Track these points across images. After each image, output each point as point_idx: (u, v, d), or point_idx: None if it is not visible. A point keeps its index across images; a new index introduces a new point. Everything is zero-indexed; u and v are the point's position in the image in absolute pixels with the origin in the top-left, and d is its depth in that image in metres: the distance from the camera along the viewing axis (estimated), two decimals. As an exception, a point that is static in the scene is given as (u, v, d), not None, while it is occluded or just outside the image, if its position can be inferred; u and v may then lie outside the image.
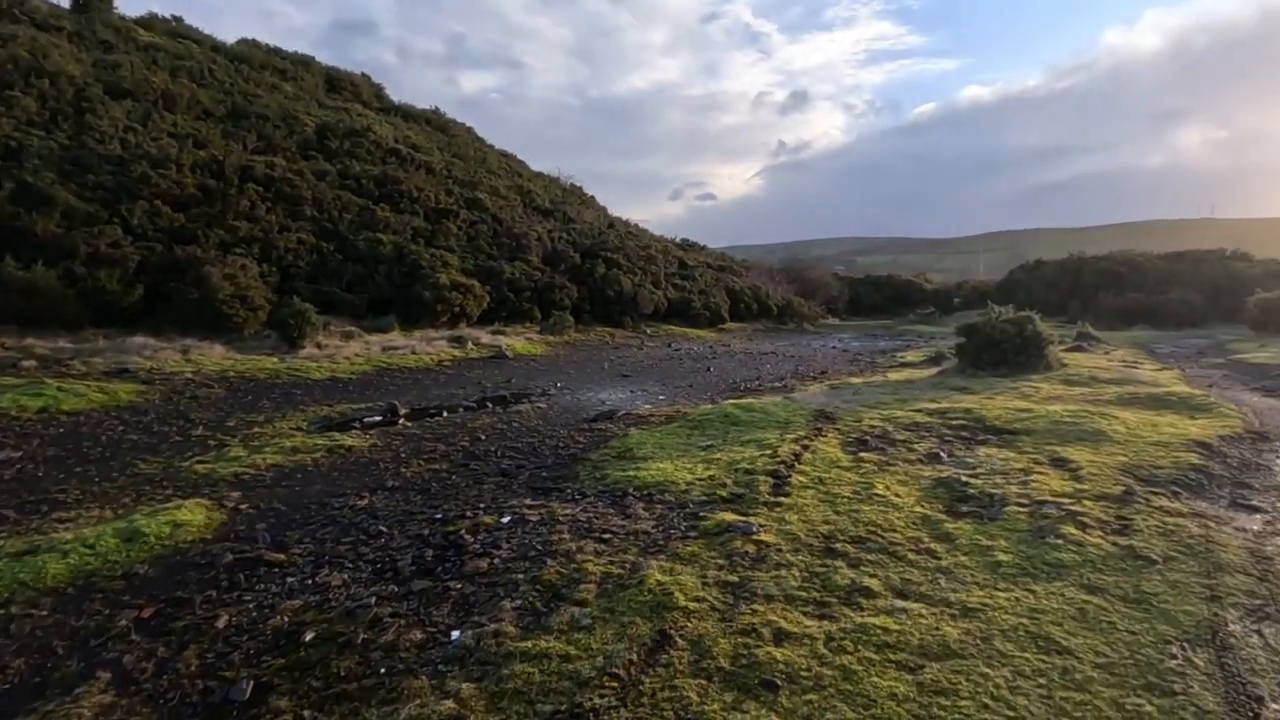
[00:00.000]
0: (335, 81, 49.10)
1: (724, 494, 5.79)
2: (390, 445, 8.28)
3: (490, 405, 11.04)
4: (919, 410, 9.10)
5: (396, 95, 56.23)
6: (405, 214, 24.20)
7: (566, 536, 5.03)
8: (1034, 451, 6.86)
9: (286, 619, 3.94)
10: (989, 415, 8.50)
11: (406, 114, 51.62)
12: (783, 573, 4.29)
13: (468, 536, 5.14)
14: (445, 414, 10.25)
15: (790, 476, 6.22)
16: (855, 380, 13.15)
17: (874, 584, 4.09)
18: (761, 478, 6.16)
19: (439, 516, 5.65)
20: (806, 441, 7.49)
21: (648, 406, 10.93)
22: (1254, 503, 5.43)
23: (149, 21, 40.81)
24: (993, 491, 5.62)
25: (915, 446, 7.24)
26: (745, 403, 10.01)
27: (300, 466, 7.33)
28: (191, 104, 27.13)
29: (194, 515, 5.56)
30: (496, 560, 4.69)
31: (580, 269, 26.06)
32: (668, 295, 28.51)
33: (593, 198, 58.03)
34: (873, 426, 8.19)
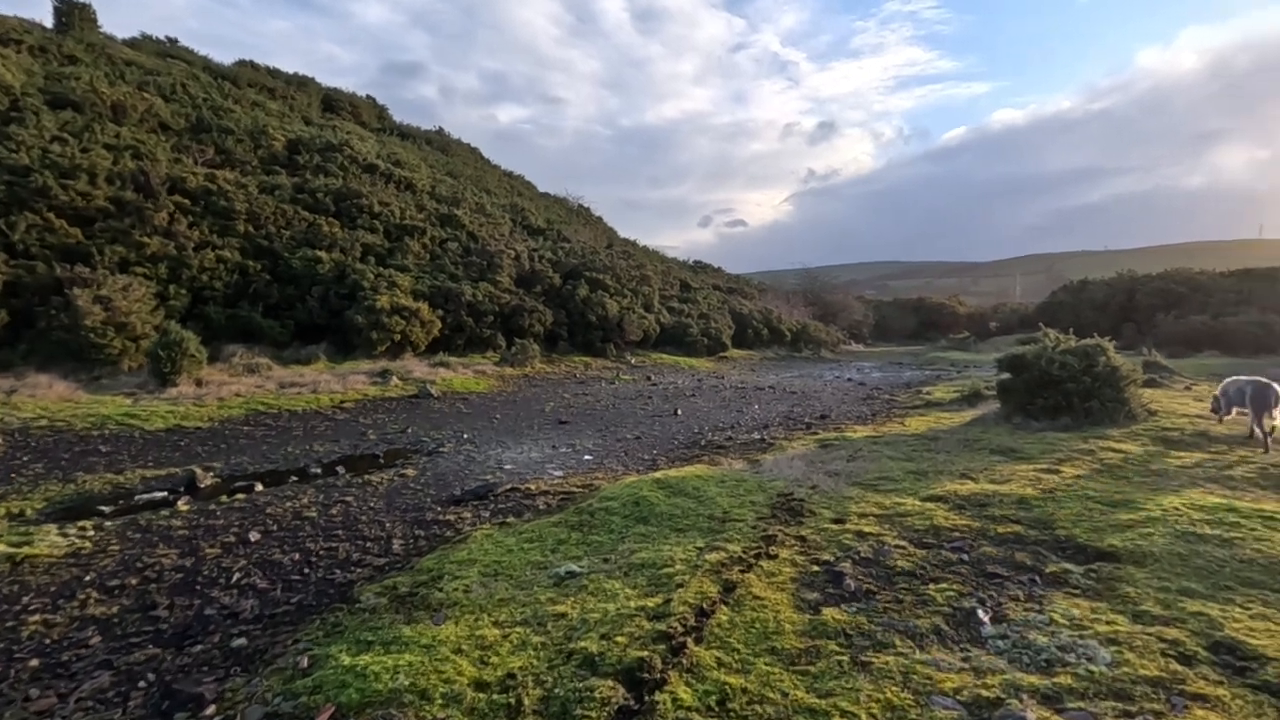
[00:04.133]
0: (333, 102, 47.63)
1: (495, 748, 2.63)
2: (99, 554, 5.27)
3: (341, 471, 7.99)
4: (941, 497, 5.79)
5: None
6: (360, 230, 21.56)
7: None
8: (1162, 614, 3.51)
9: None
10: (1059, 514, 5.16)
11: (405, 133, 49.95)
12: None
13: None
14: (261, 486, 7.23)
15: (668, 680, 3.03)
16: (859, 432, 9.80)
17: None
18: (606, 687, 2.98)
19: None
20: (738, 570, 4.27)
21: (557, 474, 7.79)
22: None
23: (138, 42, 39.70)
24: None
25: (929, 591, 3.95)
26: (682, 476, 6.79)
27: (-113, 604, 4.36)
28: (146, 116, 25.11)
29: None
30: None
31: (559, 291, 23.02)
32: (660, 320, 25.26)
33: (600, 219, 55.47)
34: (861, 535, 4.91)
